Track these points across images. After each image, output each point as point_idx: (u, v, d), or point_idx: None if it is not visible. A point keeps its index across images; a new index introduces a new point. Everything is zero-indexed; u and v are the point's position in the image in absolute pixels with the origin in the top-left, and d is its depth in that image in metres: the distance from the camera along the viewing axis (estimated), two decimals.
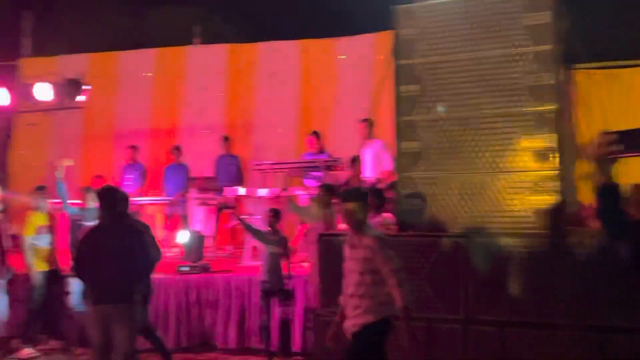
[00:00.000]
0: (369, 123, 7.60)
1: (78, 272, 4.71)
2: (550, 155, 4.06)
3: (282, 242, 6.13)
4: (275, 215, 6.24)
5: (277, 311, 6.16)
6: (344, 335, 3.74)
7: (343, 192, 4.16)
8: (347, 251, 3.82)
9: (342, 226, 5.85)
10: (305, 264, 6.96)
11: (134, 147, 9.82)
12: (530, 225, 4.05)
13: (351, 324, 3.65)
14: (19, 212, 8.67)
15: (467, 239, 4.00)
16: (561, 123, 4.12)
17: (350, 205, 3.72)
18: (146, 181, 9.81)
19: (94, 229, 4.78)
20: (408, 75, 4.44)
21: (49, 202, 6.65)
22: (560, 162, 4.07)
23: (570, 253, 3.81)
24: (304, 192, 7.64)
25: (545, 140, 4.03)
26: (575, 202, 4.55)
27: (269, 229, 6.22)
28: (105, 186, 5.40)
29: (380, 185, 7.19)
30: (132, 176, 9.71)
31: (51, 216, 6.72)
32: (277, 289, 6.04)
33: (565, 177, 4.14)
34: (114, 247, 4.66)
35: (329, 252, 4.20)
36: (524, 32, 4.15)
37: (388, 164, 7.84)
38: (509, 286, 3.83)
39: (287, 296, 6.10)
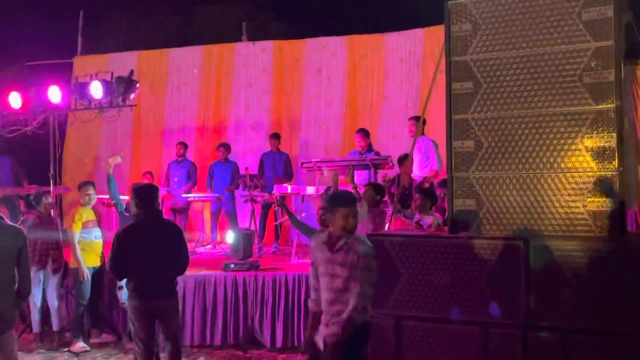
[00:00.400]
0: (418, 121, 7.53)
1: (114, 268, 4.78)
2: (610, 155, 3.92)
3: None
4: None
5: None
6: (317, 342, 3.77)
7: (332, 197, 4.10)
8: (324, 253, 3.79)
9: (391, 226, 5.86)
10: None
11: (182, 144, 9.99)
12: (590, 227, 3.92)
13: (334, 332, 3.63)
14: (69, 207, 9.00)
15: (525, 242, 3.91)
16: (622, 122, 3.97)
17: (343, 211, 3.73)
18: (195, 178, 9.97)
19: (134, 226, 4.83)
20: (461, 72, 4.35)
21: (96, 197, 6.79)
22: (621, 163, 3.92)
23: (632, 257, 3.69)
24: (352, 191, 7.62)
25: (605, 139, 3.88)
26: (636, 203, 4.40)
27: (321, 227, 6.20)
28: (141, 184, 5.51)
29: (426, 185, 7.14)
30: (180, 173, 9.88)
31: (98, 211, 6.87)
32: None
33: (625, 178, 4.00)
34: (157, 244, 4.77)
35: (379, 253, 4.17)
36: (584, 27, 4.01)
37: (435, 162, 7.79)
38: (569, 291, 3.72)
39: None
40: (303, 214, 8.07)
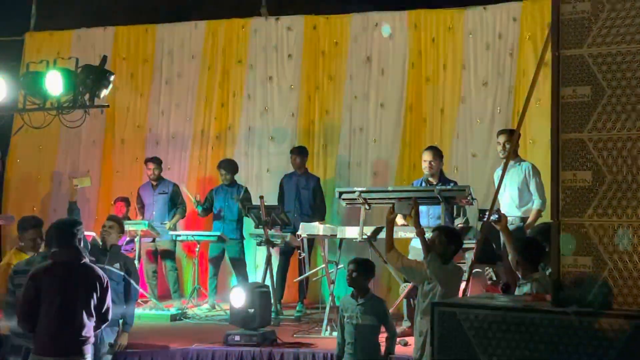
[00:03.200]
0: (511, 136, 7.46)
1: (27, 317, 5.41)
2: None
3: (376, 309, 6.10)
4: (361, 270, 6.17)
5: None
6: None
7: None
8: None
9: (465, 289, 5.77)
10: (407, 342, 6.91)
11: (153, 160, 10.12)
12: None
13: None
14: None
15: None
16: None
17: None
18: (183, 204, 10.07)
19: (44, 269, 5.45)
20: (575, 72, 4.29)
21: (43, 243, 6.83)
22: None
23: None
24: (412, 237, 7.58)
25: None
26: None
27: (356, 289, 6.19)
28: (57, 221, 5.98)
29: (525, 230, 7.05)
30: (157, 200, 10.01)
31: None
32: None
33: None
34: (65, 292, 5.37)
35: (448, 330, 4.10)
36: None
37: (537, 199, 7.70)
38: None
39: None
40: (340, 266, 8.05)
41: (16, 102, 8.11)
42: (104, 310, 5.61)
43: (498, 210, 6.15)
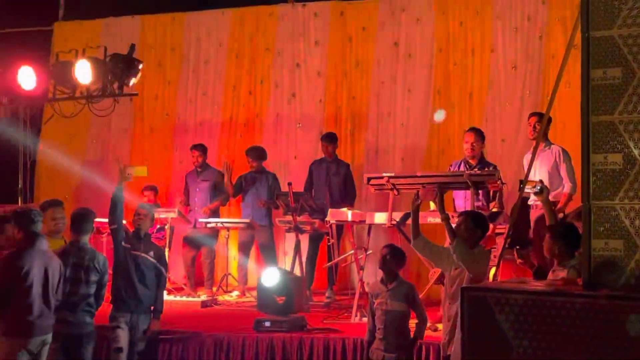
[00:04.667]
0: (542, 120, 7.41)
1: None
2: None
3: (405, 294, 6.11)
4: (395, 255, 6.21)
5: None
6: None
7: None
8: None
9: (499, 275, 5.75)
10: (436, 327, 6.90)
11: (199, 147, 10.13)
12: None
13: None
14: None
15: None
16: None
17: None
18: (225, 192, 10.04)
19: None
20: (605, 53, 4.25)
21: (65, 222, 6.89)
22: None
23: None
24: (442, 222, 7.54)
25: None
26: None
27: (385, 274, 6.21)
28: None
29: (560, 215, 6.99)
30: (201, 188, 10.05)
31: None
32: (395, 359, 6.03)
33: None
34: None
35: (479, 315, 4.09)
36: None
37: (567, 183, 7.64)
38: None
39: None
40: (369, 252, 8.06)
41: (46, 92, 8.22)
42: None
43: (541, 182, 6.10)
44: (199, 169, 10.08)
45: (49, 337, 5.91)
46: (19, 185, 8.26)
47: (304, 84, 10.99)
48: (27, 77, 7.87)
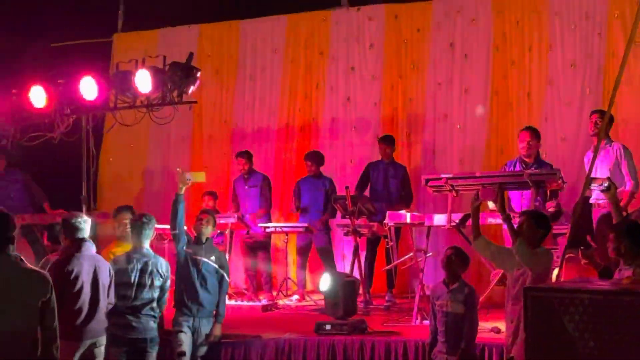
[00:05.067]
0: (603, 117, 7.27)
1: None
2: None
3: (464, 296, 6.06)
4: (459, 256, 6.17)
5: None
6: None
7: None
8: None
9: (562, 275, 5.66)
10: (499, 329, 6.82)
11: (244, 154, 10.19)
12: None
13: None
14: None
15: None
16: None
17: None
18: (269, 198, 10.15)
19: None
20: None
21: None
22: None
23: None
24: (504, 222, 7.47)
25: None
26: None
27: (449, 275, 6.17)
28: None
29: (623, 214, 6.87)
30: (250, 193, 10.13)
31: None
32: None
33: None
34: None
35: (542, 316, 4.04)
36: None
37: (630, 180, 7.51)
38: None
39: None
40: (429, 254, 8.01)
41: (107, 101, 8.36)
42: None
43: (608, 179, 6.00)
44: (245, 176, 10.17)
45: (101, 339, 6.01)
46: (83, 194, 8.39)
47: (358, 88, 10.98)
48: (88, 88, 8.01)
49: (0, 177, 9.78)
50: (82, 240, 5.99)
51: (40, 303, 4.38)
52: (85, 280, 5.90)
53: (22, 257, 4.49)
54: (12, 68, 9.97)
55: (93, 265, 5.97)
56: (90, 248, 6.01)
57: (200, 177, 7.43)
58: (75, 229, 6.00)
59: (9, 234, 4.46)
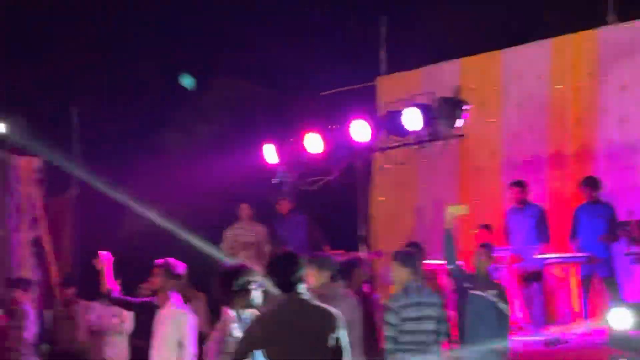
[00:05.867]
0: None
1: None
2: None
3: None
4: None
5: None
6: None
7: None
8: None
9: None
10: None
11: (518, 184, 10.02)
12: None
13: None
14: (381, 278, 9.54)
15: None
16: None
17: None
18: (546, 231, 9.89)
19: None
20: None
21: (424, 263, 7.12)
22: None
23: None
24: None
25: None
26: None
27: None
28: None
29: None
30: (523, 224, 9.92)
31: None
32: None
33: None
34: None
35: None
36: None
37: None
38: None
39: None
40: None
41: (377, 142, 8.60)
42: None
43: None
44: (519, 206, 9.94)
45: None
46: (360, 233, 8.64)
47: (632, 106, 10.38)
48: (360, 130, 8.31)
49: (284, 219, 10.37)
50: None
51: (331, 339, 4.48)
52: None
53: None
54: (287, 118, 10.60)
55: None
56: None
57: (462, 209, 7.40)
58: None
59: (298, 273, 4.62)
